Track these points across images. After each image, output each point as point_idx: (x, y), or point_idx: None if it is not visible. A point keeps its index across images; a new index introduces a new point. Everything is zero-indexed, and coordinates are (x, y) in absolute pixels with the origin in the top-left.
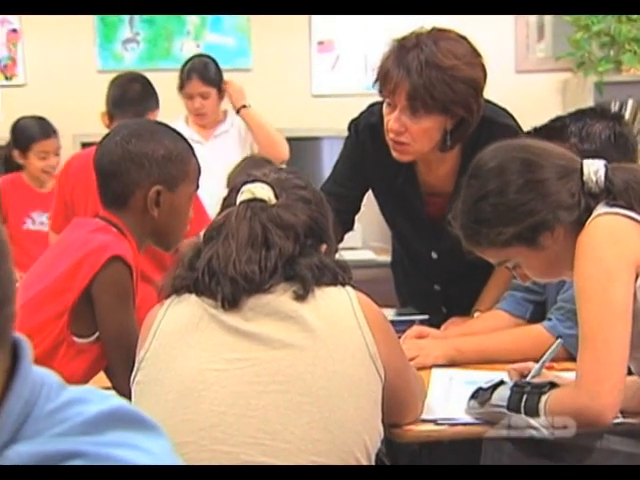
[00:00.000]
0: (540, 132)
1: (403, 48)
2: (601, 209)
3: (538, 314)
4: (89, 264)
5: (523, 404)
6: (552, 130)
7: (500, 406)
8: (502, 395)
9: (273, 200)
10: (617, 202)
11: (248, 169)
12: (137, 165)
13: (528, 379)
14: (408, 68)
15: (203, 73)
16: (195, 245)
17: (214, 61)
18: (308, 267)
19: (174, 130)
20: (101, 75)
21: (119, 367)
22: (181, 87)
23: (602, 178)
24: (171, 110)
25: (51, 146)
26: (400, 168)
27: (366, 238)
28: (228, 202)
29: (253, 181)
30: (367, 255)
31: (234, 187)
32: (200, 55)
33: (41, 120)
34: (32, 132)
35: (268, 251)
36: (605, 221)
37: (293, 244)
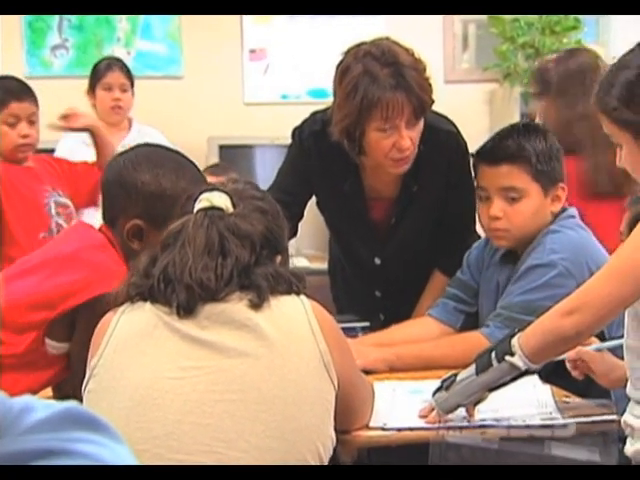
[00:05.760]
0: (496, 155)
1: (376, 67)
2: None
3: (469, 325)
4: (79, 293)
5: (494, 356)
6: (510, 151)
7: (468, 377)
8: (467, 370)
9: (230, 209)
10: None
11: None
12: (125, 193)
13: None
14: (404, 87)
15: (123, 66)
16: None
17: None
18: (263, 276)
19: (191, 167)
20: (29, 82)
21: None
22: (98, 80)
23: None
24: None
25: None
26: (346, 174)
27: (299, 246)
28: (185, 210)
29: (211, 190)
30: (301, 263)
31: (191, 196)
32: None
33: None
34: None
35: (224, 259)
36: None
37: (249, 253)
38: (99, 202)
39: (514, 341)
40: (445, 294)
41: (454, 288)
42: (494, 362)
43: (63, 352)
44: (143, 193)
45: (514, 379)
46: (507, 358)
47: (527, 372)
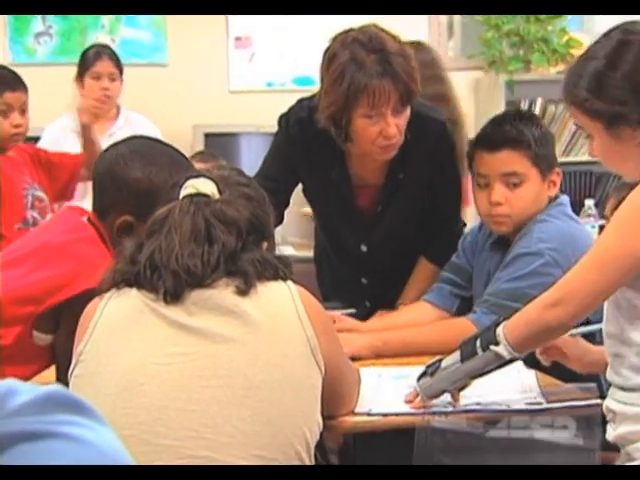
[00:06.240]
0: (496, 140)
1: (363, 54)
2: None
3: (464, 309)
4: (66, 287)
5: (479, 344)
6: (510, 136)
7: (453, 364)
8: (452, 356)
9: (216, 195)
10: None
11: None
12: (116, 188)
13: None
14: (391, 74)
15: (112, 54)
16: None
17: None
18: (250, 262)
19: (185, 163)
20: (12, 69)
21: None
22: (86, 69)
23: None
24: None
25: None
26: (333, 161)
27: (285, 234)
28: (171, 197)
29: (197, 176)
30: (287, 250)
31: (176, 183)
32: (98, 44)
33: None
34: None
35: (211, 246)
36: None
37: (236, 239)
38: (74, 195)
39: (499, 330)
40: (440, 278)
41: (449, 272)
42: (479, 350)
43: (51, 342)
44: (135, 190)
45: (498, 367)
46: (492, 347)
47: (511, 361)
